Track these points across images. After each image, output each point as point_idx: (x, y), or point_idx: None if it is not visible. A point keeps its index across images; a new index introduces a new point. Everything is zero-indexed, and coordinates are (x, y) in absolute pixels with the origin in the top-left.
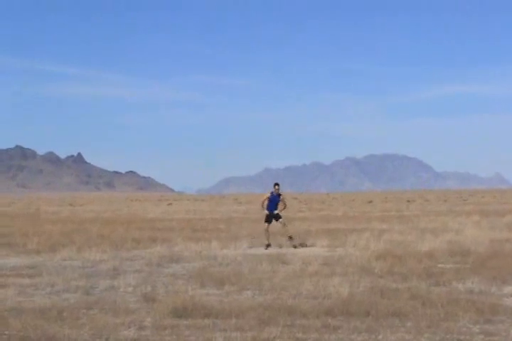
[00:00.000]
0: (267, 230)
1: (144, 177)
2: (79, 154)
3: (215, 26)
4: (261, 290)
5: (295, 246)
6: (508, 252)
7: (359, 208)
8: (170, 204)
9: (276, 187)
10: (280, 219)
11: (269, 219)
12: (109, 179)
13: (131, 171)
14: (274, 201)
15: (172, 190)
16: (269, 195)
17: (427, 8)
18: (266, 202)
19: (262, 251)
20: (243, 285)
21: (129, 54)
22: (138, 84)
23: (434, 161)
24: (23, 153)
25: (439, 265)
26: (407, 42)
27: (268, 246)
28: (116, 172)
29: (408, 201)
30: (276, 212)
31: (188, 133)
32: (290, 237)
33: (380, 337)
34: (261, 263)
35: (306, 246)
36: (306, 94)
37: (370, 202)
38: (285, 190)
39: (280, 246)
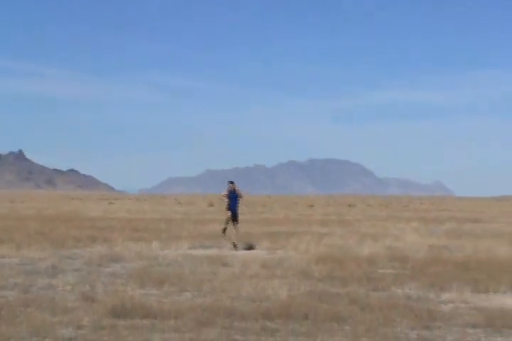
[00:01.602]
0: (225, 229)
1: (85, 176)
2: (20, 151)
3: (164, 24)
4: (200, 291)
5: (235, 246)
6: (446, 259)
7: (301, 211)
8: (111, 203)
9: (231, 184)
10: (237, 224)
11: (231, 219)
12: (50, 177)
13: (72, 169)
14: (232, 198)
15: (113, 189)
16: (226, 192)
17: (379, 15)
18: (226, 199)
19: (202, 252)
20: (183, 286)
21: (74, 50)
22: (81, 81)
23: (376, 167)
24: None
25: (379, 270)
26: (353, 46)
27: (233, 244)
28: (57, 170)
29: (349, 206)
30: (238, 210)
31: (131, 132)
32: (235, 244)
33: (318, 340)
34: (201, 264)
35: (252, 248)
36: (251, 97)
37: (312, 205)
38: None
39: (220, 247)
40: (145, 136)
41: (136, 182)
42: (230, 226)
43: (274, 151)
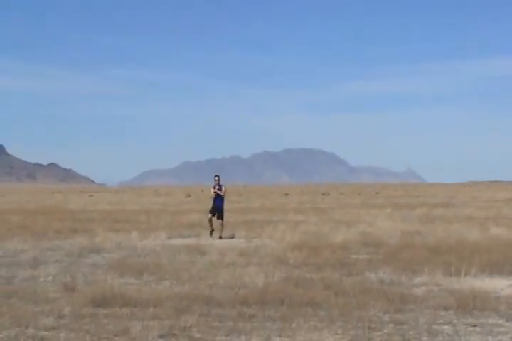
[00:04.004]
0: (210, 220)
1: (66, 169)
2: (1, 145)
3: (138, 19)
4: (179, 280)
5: (220, 237)
6: (419, 244)
7: (276, 200)
8: (91, 195)
9: (216, 178)
10: (221, 220)
11: (213, 212)
12: (31, 171)
13: (52, 163)
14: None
15: (93, 182)
16: (213, 188)
17: (350, 8)
18: (214, 195)
19: (180, 242)
20: (161, 275)
21: (53, 46)
22: (61, 76)
23: (348, 156)
24: None
25: (352, 256)
26: (326, 38)
27: (212, 231)
28: (38, 164)
29: (323, 194)
30: (223, 207)
31: (109, 125)
32: (220, 237)
33: (294, 325)
34: (179, 253)
35: (230, 237)
36: (226, 88)
37: (287, 194)
38: (205, 183)
39: (198, 237)
40: (123, 128)
41: (115, 175)
42: (216, 223)
43: (249, 142)
